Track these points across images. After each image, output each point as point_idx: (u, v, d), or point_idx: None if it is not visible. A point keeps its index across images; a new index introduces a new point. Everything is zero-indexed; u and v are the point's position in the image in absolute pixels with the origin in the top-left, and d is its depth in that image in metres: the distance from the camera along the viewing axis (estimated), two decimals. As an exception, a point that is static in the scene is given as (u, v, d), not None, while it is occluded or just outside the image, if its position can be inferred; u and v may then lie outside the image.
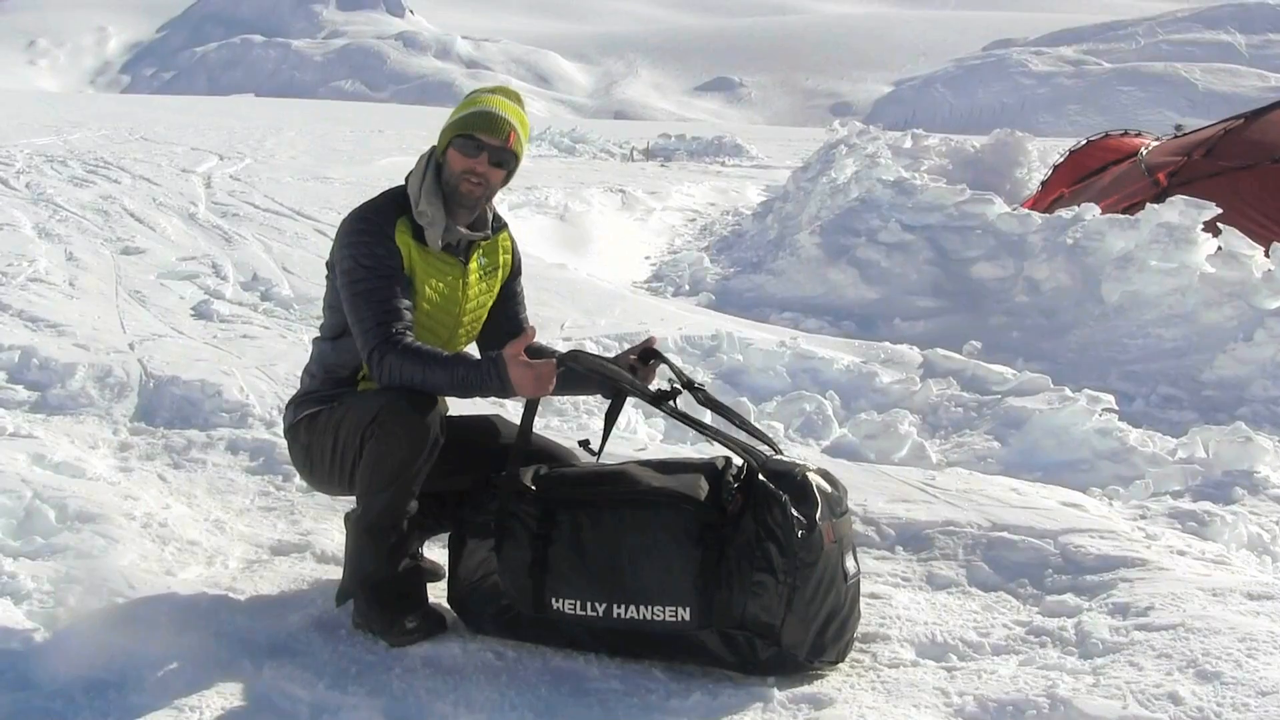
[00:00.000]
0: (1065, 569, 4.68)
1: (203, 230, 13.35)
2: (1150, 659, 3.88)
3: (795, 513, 3.85)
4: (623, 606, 3.96)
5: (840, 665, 4.00)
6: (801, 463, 4.10)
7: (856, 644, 4.13)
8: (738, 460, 4.13)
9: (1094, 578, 4.58)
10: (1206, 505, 5.72)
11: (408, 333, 4.16)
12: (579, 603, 4.02)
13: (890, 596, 4.56)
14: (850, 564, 4.03)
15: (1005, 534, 4.94)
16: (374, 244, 4.24)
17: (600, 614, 3.99)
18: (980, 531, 4.99)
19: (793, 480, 3.95)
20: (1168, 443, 6.83)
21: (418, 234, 4.31)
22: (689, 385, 4.27)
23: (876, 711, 3.70)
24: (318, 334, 4.56)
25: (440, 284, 4.37)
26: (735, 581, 3.86)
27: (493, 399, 4.82)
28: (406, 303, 4.23)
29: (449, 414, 4.39)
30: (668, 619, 3.92)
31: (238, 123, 33.75)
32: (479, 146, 4.27)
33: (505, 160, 4.34)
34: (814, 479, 3.99)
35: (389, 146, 26.89)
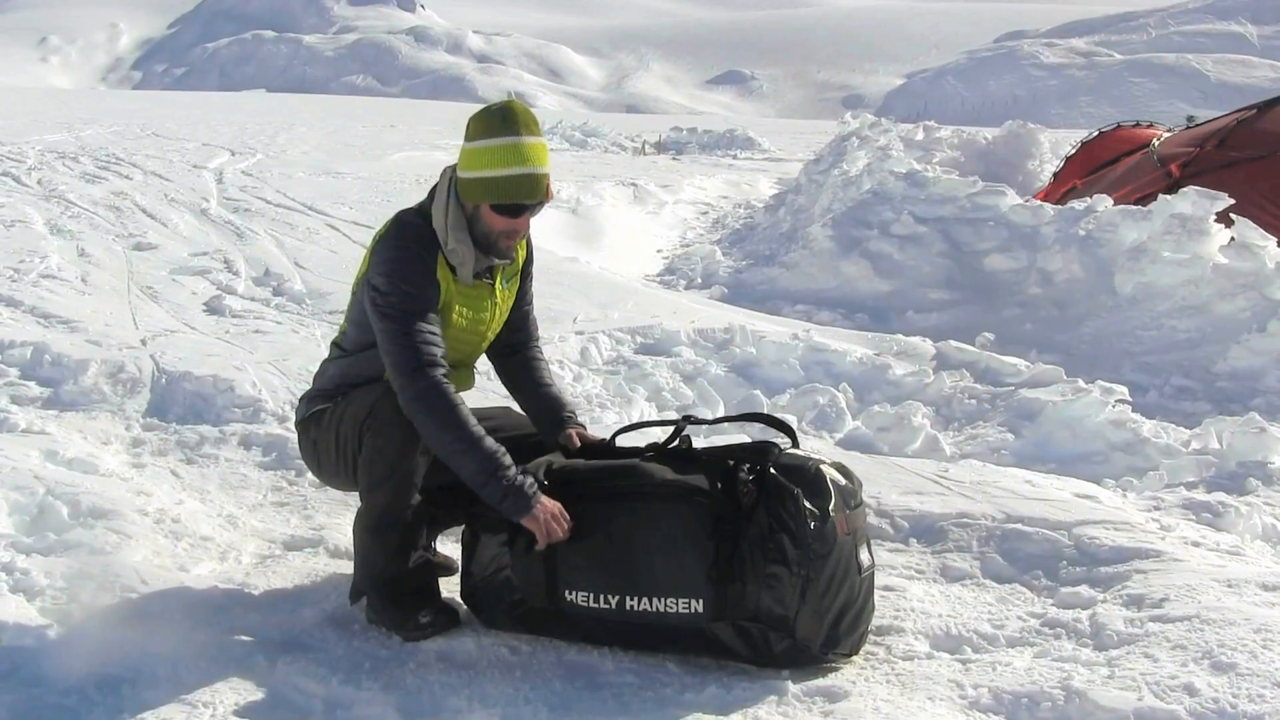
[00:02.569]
0: (1079, 561, 4.67)
1: (215, 226, 13.35)
2: (1165, 650, 3.87)
3: (808, 505, 3.85)
4: (636, 599, 3.96)
5: (854, 658, 4.00)
6: (815, 456, 4.10)
7: (871, 636, 4.13)
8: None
9: (1108, 569, 4.57)
10: (1221, 496, 5.70)
11: (442, 365, 4.11)
12: (592, 596, 4.02)
13: (904, 589, 4.55)
14: (864, 556, 4.03)
15: (1019, 526, 4.94)
16: (417, 274, 4.16)
17: (613, 607, 3.99)
18: (994, 523, 4.98)
19: (805, 473, 3.95)
20: (1181, 434, 6.80)
21: (452, 268, 4.27)
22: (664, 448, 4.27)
23: (891, 704, 3.69)
24: (336, 342, 4.52)
25: (471, 309, 4.35)
26: (749, 574, 3.86)
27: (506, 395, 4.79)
28: (439, 334, 4.17)
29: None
30: (681, 611, 3.92)
31: (249, 118, 33.78)
32: (521, 208, 4.22)
33: (540, 206, 4.28)
34: (828, 472, 3.99)
35: (401, 141, 26.90)
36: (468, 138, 4.21)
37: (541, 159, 4.20)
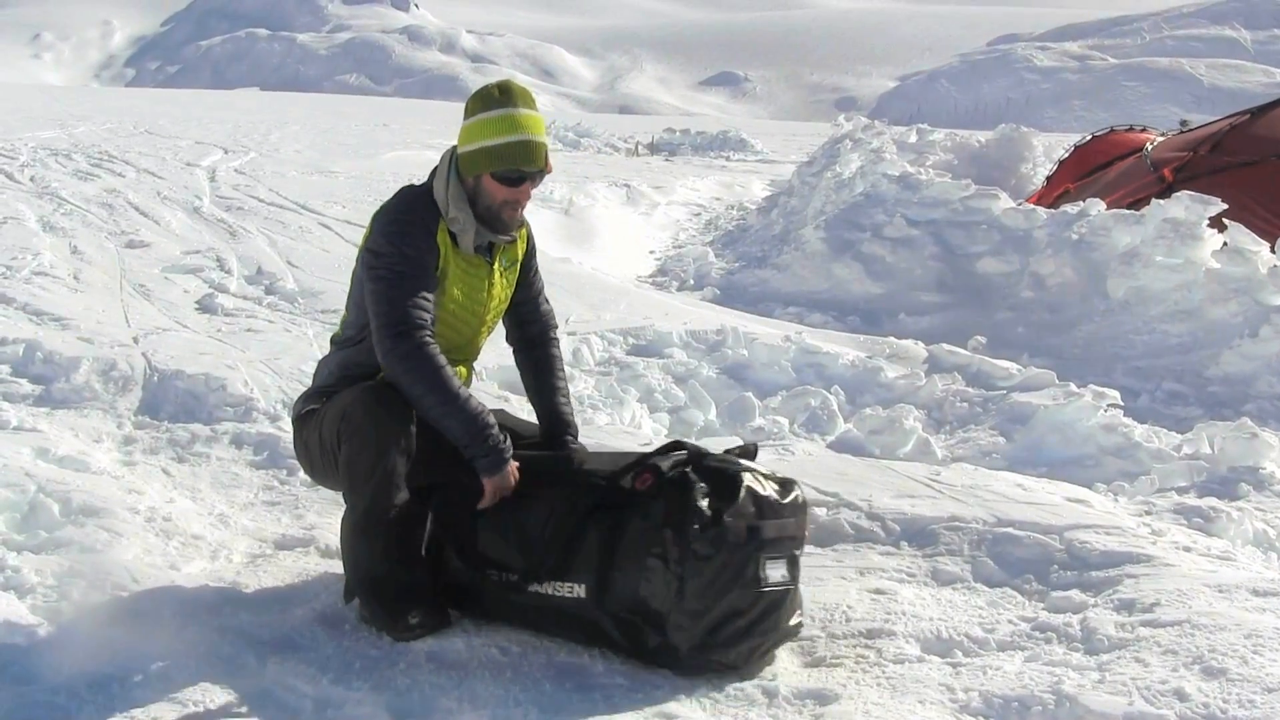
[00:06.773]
0: (1071, 565, 4.68)
1: (207, 224, 13.34)
2: (1156, 655, 3.87)
3: (702, 503, 3.84)
4: (531, 580, 4.07)
5: (845, 660, 4.00)
6: (754, 466, 4.07)
7: (861, 640, 4.12)
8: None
9: (1099, 574, 4.58)
10: (1212, 501, 5.71)
11: (430, 329, 4.16)
12: (502, 575, 4.15)
13: (895, 592, 4.55)
14: (775, 572, 3.95)
15: (1010, 530, 4.94)
16: (417, 237, 4.23)
17: (514, 583, 4.11)
18: (985, 527, 4.98)
19: (723, 475, 3.94)
20: (1173, 439, 6.81)
21: (453, 236, 4.31)
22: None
23: (881, 707, 3.69)
24: (338, 333, 4.52)
25: (468, 285, 4.39)
26: (629, 562, 3.89)
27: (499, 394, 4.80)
28: (432, 300, 4.22)
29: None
30: (565, 595, 4.01)
31: (242, 116, 33.72)
32: (522, 177, 4.27)
33: (541, 177, 4.35)
34: (749, 480, 3.96)
35: (394, 140, 26.86)
36: (466, 115, 4.31)
37: (538, 129, 4.28)
